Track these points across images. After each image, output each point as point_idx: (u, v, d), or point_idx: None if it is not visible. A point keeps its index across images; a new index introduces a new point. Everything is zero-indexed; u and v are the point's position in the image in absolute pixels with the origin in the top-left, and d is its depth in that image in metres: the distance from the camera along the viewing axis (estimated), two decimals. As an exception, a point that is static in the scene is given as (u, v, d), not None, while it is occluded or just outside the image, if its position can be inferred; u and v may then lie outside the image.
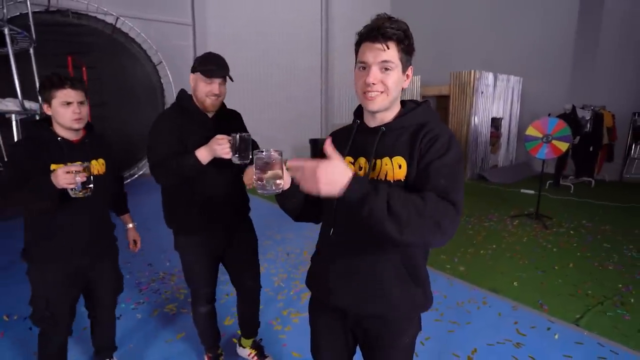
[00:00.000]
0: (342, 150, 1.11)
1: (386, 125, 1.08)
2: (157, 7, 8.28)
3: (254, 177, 1.05)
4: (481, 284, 3.21)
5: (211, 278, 1.98)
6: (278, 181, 1.04)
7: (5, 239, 4.07)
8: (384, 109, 1.06)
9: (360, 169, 1.09)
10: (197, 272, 1.94)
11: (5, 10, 4.19)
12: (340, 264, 1.15)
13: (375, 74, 1.01)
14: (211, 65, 1.68)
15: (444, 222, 0.88)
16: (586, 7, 7.78)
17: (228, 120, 1.87)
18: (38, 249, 1.67)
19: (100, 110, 6.29)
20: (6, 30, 3.81)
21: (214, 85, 1.69)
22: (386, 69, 1.01)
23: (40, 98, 1.60)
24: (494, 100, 8.15)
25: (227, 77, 1.76)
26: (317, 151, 8.27)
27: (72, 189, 1.45)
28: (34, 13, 5.17)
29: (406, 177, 1.02)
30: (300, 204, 1.21)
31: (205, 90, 1.69)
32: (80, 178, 1.44)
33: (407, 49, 1.03)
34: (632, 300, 2.94)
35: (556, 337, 2.45)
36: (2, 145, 5.50)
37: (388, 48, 1.00)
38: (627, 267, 3.56)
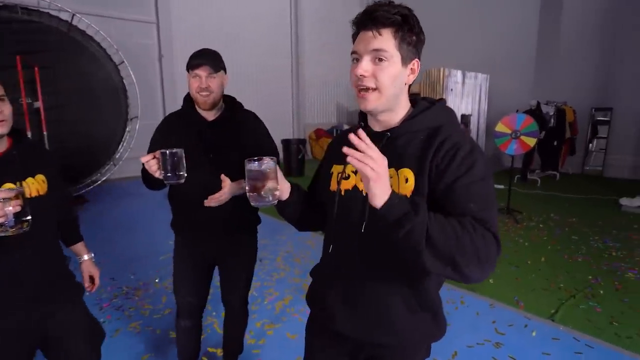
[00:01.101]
0: (342, 159, 0.90)
1: (392, 130, 0.93)
2: (118, 4, 7.86)
3: (247, 188, 0.95)
4: (458, 283, 3.18)
5: (195, 287, 1.81)
6: (276, 192, 0.95)
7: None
8: (380, 109, 0.91)
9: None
10: (180, 277, 1.80)
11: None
12: (342, 286, 1.03)
13: (364, 64, 0.87)
14: (196, 59, 1.57)
15: (486, 258, 0.78)
16: (546, 5, 8.03)
17: (229, 125, 1.65)
18: None
19: (57, 113, 5.90)
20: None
21: (201, 79, 1.56)
22: (379, 59, 0.86)
23: None
24: (463, 97, 8.28)
25: (223, 71, 1.62)
26: (289, 152, 8.13)
27: (0, 225, 1.05)
28: (-24, 9, 4.77)
29: (413, 192, 0.87)
30: (302, 212, 1.10)
31: (194, 87, 1.58)
32: (12, 208, 1.04)
33: (408, 38, 0.87)
34: (602, 292, 3.00)
35: (534, 334, 2.45)
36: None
37: (380, 35, 0.85)
38: (594, 258, 3.65)
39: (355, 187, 0.97)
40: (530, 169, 7.60)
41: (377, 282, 0.97)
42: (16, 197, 1.05)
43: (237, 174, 1.43)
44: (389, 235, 0.78)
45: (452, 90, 7.91)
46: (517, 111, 5.18)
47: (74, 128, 6.10)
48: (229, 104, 1.71)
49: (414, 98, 1.00)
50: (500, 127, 5.01)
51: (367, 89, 0.88)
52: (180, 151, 1.22)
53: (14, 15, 6.21)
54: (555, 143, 7.40)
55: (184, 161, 1.27)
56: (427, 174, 0.86)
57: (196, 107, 1.64)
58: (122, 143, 7.69)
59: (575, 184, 7.07)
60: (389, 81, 0.87)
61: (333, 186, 1.02)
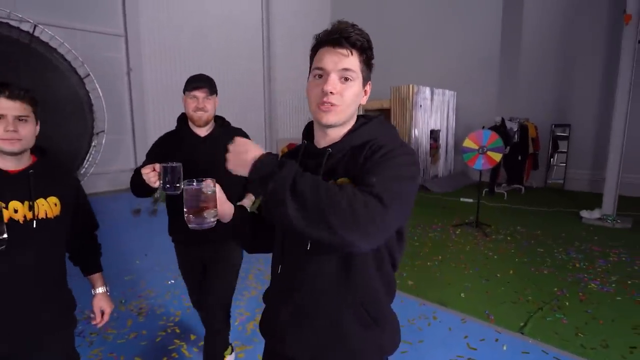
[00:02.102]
0: None
1: (332, 145, 0.96)
2: (83, 16, 7.64)
3: (185, 210, 0.97)
4: (430, 297, 3.21)
5: (196, 285, 2.02)
6: (213, 214, 0.97)
7: None
8: (339, 123, 0.94)
9: None
10: (185, 281, 2.05)
11: None
12: (291, 306, 1.00)
13: (334, 81, 0.89)
14: (194, 82, 1.79)
15: (365, 219, 0.73)
16: (507, 23, 8.44)
17: (221, 140, 1.76)
18: None
19: (14, 128, 5.62)
20: None
21: (198, 100, 1.79)
22: (346, 78, 0.90)
23: None
24: (432, 113, 8.53)
25: (215, 95, 1.85)
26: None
27: None
28: None
29: None
30: (250, 234, 1.11)
31: (192, 106, 1.80)
32: None
33: (368, 62, 0.95)
34: (567, 304, 3.10)
35: (504, 348, 2.48)
36: None
37: (352, 54, 0.90)
38: (559, 270, 3.78)
39: None
40: (497, 183, 7.87)
41: (327, 298, 0.96)
42: None
43: (226, 185, 1.48)
44: (263, 200, 0.81)
45: (421, 106, 8.13)
46: (483, 127, 5.37)
47: (37, 143, 5.82)
48: (219, 122, 1.95)
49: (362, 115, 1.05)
50: (467, 143, 5.17)
51: (331, 104, 0.91)
52: (179, 165, 1.28)
53: (-30, 25, 5.92)
54: (519, 158, 7.71)
55: (182, 174, 1.33)
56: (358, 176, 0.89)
57: (189, 125, 1.88)
58: (87, 158, 7.41)
59: (539, 197, 7.36)
60: (351, 99, 0.92)
61: None
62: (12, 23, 6.51)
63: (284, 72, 10.99)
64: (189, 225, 0.99)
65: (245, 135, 1.86)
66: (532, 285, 3.45)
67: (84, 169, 7.40)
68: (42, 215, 1.27)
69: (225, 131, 1.92)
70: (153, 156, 1.86)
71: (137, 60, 8.61)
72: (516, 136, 7.63)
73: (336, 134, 0.97)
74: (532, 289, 3.37)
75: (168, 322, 2.79)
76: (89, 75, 7.14)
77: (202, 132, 1.88)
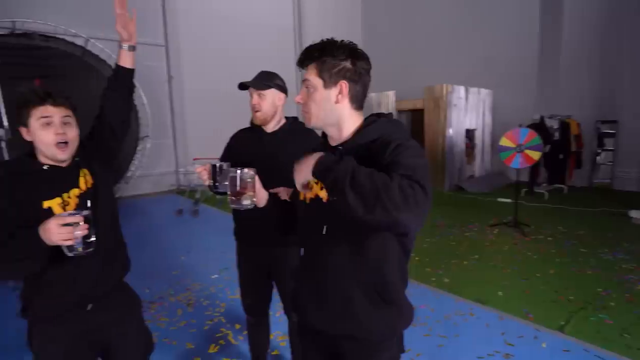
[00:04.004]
0: None
1: (343, 144, 1.08)
2: (129, 29, 8.17)
3: (228, 193, 1.14)
4: (467, 295, 3.22)
5: (250, 290, 2.02)
6: (250, 198, 1.13)
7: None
8: (319, 126, 1.12)
9: (322, 189, 1.09)
10: (240, 281, 2.03)
11: (-33, 35, 4.03)
12: (311, 283, 1.16)
13: (300, 93, 1.12)
14: (250, 81, 1.78)
15: (415, 203, 0.83)
16: (547, 18, 8.17)
17: (284, 137, 1.84)
18: (38, 305, 1.34)
19: (71, 134, 6.09)
20: (-32, 55, 3.66)
21: (252, 99, 1.79)
22: (307, 87, 1.09)
23: (16, 121, 1.32)
24: (467, 112, 8.38)
25: (274, 89, 1.81)
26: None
27: (69, 247, 1.15)
28: (-2, 36, 5.01)
29: None
30: (281, 219, 1.30)
31: (250, 105, 1.81)
32: (80, 231, 1.14)
33: (328, 66, 1.07)
34: (613, 304, 3.01)
35: (544, 345, 2.46)
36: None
37: (306, 68, 1.10)
38: (604, 271, 3.65)
39: (317, 196, 1.11)
40: (537, 183, 7.62)
41: (340, 277, 1.08)
42: (83, 221, 1.16)
43: (286, 181, 1.51)
44: (327, 189, 0.95)
45: (455, 105, 8.02)
46: (519, 125, 5.25)
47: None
48: (289, 120, 1.91)
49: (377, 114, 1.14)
50: (504, 142, 5.08)
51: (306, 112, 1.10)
52: (226, 165, 1.35)
53: (33, 42, 6.49)
54: (561, 156, 7.43)
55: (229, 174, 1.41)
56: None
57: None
58: (133, 162, 7.87)
59: (583, 197, 7.06)
60: (314, 104, 1.07)
61: (301, 195, 1.17)
62: (67, 38, 7.07)
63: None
64: (231, 205, 1.16)
65: (315, 137, 1.80)
66: (574, 285, 3.37)
67: (130, 172, 7.87)
68: (83, 187, 1.37)
69: (291, 130, 1.87)
70: (227, 148, 1.95)
71: (176, 68, 9.07)
72: (557, 134, 7.36)
73: (336, 133, 1.10)
74: (574, 289, 3.29)
75: (214, 313, 2.98)
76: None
77: (269, 128, 1.86)
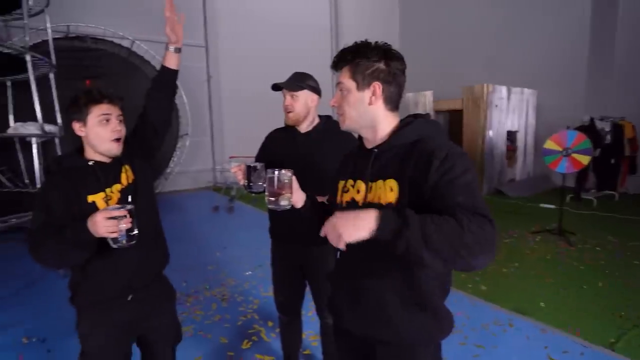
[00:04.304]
0: (346, 173, 1.17)
1: (378, 146, 1.07)
2: (172, 30, 8.48)
3: (266, 193, 1.17)
4: (505, 304, 3.08)
5: (283, 288, 2.02)
6: (287, 199, 1.15)
7: (25, 259, 4.09)
8: (352, 128, 1.11)
9: (359, 192, 1.09)
10: (273, 279, 2.04)
11: (27, 38, 4.33)
12: (347, 286, 1.15)
13: (335, 96, 1.13)
14: (283, 82, 1.79)
15: (485, 241, 0.83)
16: (599, 16, 7.69)
17: (318, 137, 1.84)
18: (84, 293, 1.43)
19: (116, 132, 6.41)
20: (27, 57, 3.93)
21: (285, 100, 1.80)
22: (340, 90, 1.10)
23: (70, 117, 1.39)
24: (509, 113, 8.05)
25: (307, 90, 1.80)
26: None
27: (113, 239, 1.22)
28: (54, 39, 5.34)
29: (397, 200, 0.98)
30: (317, 222, 1.25)
31: (283, 106, 1.81)
32: (124, 225, 1.20)
33: (362, 68, 1.06)
34: (670, 322, 2.78)
35: (591, 362, 2.31)
36: (24, 169, 5.61)
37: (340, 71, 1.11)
38: (660, 286, 3.38)
39: (352, 199, 1.11)
40: (585, 188, 7.18)
41: (375, 281, 1.07)
42: (127, 215, 1.21)
43: (319, 181, 1.54)
44: (393, 252, 0.85)
45: (496, 106, 7.72)
46: (567, 128, 4.97)
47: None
48: (323, 119, 1.90)
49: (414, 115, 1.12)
50: (549, 145, 4.83)
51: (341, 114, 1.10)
52: (261, 165, 1.37)
53: (84, 45, 6.88)
54: (612, 161, 6.96)
55: (263, 173, 1.40)
56: (408, 182, 0.97)
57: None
58: (173, 158, 8.18)
59: (636, 206, 6.58)
60: (348, 106, 1.07)
61: (338, 198, 1.18)
62: (115, 41, 7.44)
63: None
64: (268, 206, 1.18)
65: (350, 137, 1.74)
66: (626, 300, 3.13)
67: (169, 168, 8.18)
68: (125, 182, 1.44)
69: (325, 130, 1.86)
70: (262, 147, 1.98)
71: (215, 68, 9.32)
72: (608, 137, 6.91)
73: (371, 135, 1.09)
74: (626, 304, 3.06)
75: (247, 309, 3.02)
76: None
77: (302, 129, 1.86)
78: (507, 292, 3.31)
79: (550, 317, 2.87)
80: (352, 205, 1.10)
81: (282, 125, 1.95)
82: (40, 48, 5.21)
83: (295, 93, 1.78)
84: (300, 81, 1.80)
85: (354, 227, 0.85)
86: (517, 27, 9.29)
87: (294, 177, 1.19)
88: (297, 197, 1.23)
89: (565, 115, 8.07)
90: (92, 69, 6.69)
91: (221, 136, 9.53)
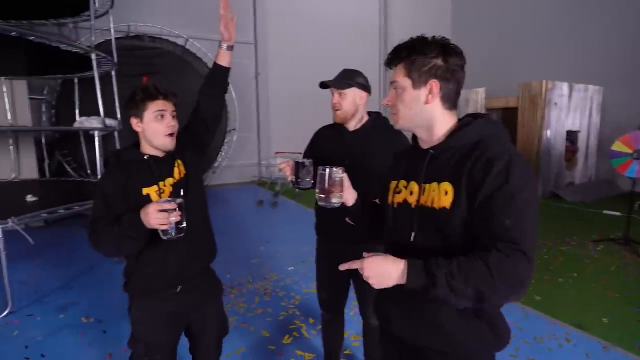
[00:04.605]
0: (398, 173, 1.13)
1: (434, 147, 1.02)
2: (223, 28, 8.75)
3: (317, 190, 1.16)
4: (562, 317, 2.87)
5: (326, 285, 2.00)
6: (338, 197, 1.15)
7: (86, 244, 4.40)
8: (405, 127, 1.07)
9: (412, 193, 1.05)
10: (317, 275, 2.03)
11: (93, 38, 4.64)
12: (396, 290, 1.06)
13: (388, 95, 1.08)
14: (331, 80, 1.75)
15: (516, 282, 0.83)
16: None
17: (366, 135, 1.80)
18: (136, 281, 1.49)
19: (169, 126, 6.74)
20: (93, 56, 4.21)
21: (333, 98, 1.77)
22: (395, 88, 1.05)
23: (127, 113, 1.45)
24: (570, 112, 7.49)
25: (355, 88, 1.75)
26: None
27: (163, 231, 1.26)
28: (115, 39, 5.68)
29: (452, 205, 0.93)
30: (368, 221, 1.26)
31: (331, 104, 1.79)
32: (174, 217, 1.24)
33: (418, 65, 1.02)
34: None
35: (663, 388, 2.09)
36: (87, 161, 6.06)
37: (394, 69, 1.06)
38: None
39: (405, 201, 1.06)
40: (656, 195, 6.53)
41: None
42: (177, 208, 1.25)
43: (367, 180, 1.50)
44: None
45: (556, 104, 7.21)
46: (639, 128, 4.52)
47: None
48: (372, 117, 1.85)
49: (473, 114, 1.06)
50: (618, 146, 4.42)
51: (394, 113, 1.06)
52: (309, 162, 1.38)
53: (142, 43, 7.27)
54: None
55: (311, 170, 1.43)
56: (465, 187, 0.92)
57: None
58: (220, 153, 8.45)
59: None
60: (402, 105, 1.02)
61: (390, 199, 1.13)
62: (170, 39, 7.80)
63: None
64: (319, 203, 1.18)
65: (400, 136, 1.72)
66: None
67: (217, 163, 8.46)
68: (177, 177, 1.48)
69: (374, 128, 1.82)
70: (310, 144, 1.98)
71: (263, 65, 9.49)
72: (686, 139, 6.22)
73: (427, 135, 1.04)
74: None
75: (289, 304, 3.05)
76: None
77: (350, 127, 1.82)
78: (563, 304, 3.08)
79: (613, 334, 2.63)
80: (404, 207, 1.06)
81: (330, 122, 1.93)
82: (103, 47, 5.57)
83: (343, 91, 1.75)
84: (348, 78, 1.76)
85: (381, 277, 0.90)
86: (580, 16, 8.61)
87: (345, 175, 1.18)
88: (349, 195, 1.21)
89: (635, 114, 7.39)
90: (149, 66, 7.05)
91: (267, 132, 9.71)
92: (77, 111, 6.11)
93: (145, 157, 1.45)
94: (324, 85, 1.79)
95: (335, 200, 1.15)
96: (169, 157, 1.49)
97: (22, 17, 5.19)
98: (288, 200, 7.12)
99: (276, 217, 6.10)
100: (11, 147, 5.69)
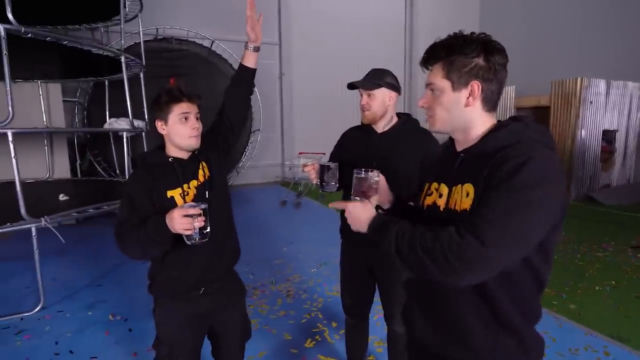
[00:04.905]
0: (431, 174, 1.09)
1: (466, 150, 0.98)
2: (248, 30, 8.83)
3: (352, 193, 1.15)
4: (599, 328, 2.71)
5: (350, 289, 1.96)
6: (373, 199, 1.13)
7: (112, 242, 4.52)
8: (443, 131, 1.02)
9: (441, 196, 1.00)
10: (341, 278, 1.99)
11: (122, 42, 4.76)
12: (421, 295, 1.07)
13: (424, 96, 1.05)
14: (359, 81, 1.71)
15: (455, 258, 0.80)
16: None
17: (395, 137, 1.73)
18: (161, 283, 1.50)
19: (195, 127, 6.86)
20: (122, 59, 4.31)
21: (362, 99, 1.73)
22: (432, 90, 1.00)
23: (153, 116, 1.45)
24: (607, 110, 7.14)
25: (384, 88, 1.70)
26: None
27: (187, 236, 1.26)
28: (144, 42, 5.81)
29: (471, 207, 0.88)
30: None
31: (359, 104, 1.75)
32: (198, 223, 1.24)
33: (458, 65, 0.96)
34: None
35: None
36: (116, 161, 6.23)
37: (430, 70, 1.01)
38: None
39: (434, 203, 1.02)
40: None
41: (451, 295, 0.97)
42: (201, 213, 1.24)
43: (395, 183, 1.43)
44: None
45: (591, 102, 6.89)
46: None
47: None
48: (402, 118, 1.79)
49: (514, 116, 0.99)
50: (661, 147, 4.16)
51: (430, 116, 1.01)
52: (334, 165, 1.36)
53: (169, 46, 7.42)
54: None
55: (337, 173, 1.42)
56: (482, 186, 0.87)
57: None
58: (244, 153, 8.53)
59: None
60: (440, 108, 0.97)
61: (421, 201, 1.11)
62: (197, 41, 7.93)
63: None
64: None
65: (430, 139, 1.72)
66: None
67: (241, 163, 8.54)
68: (201, 179, 1.48)
69: (403, 130, 1.75)
70: (337, 145, 1.93)
71: (287, 66, 9.51)
72: None
73: (462, 137, 0.99)
74: None
75: (312, 307, 3.02)
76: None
77: (379, 128, 1.76)
78: (601, 314, 2.91)
79: (658, 349, 2.46)
80: (433, 210, 1.02)
81: (355, 123, 1.89)
82: (132, 50, 5.72)
83: (371, 92, 1.69)
84: (376, 78, 1.70)
85: (354, 220, 1.04)
86: (618, 8, 8.17)
87: (382, 178, 1.18)
88: (385, 198, 1.20)
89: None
90: (176, 68, 7.20)
91: (291, 132, 9.73)
92: (107, 113, 6.30)
93: (170, 160, 1.45)
94: (352, 86, 1.74)
95: (372, 202, 1.13)
96: (194, 159, 1.48)
97: (57, 23, 5.39)
98: (311, 200, 7.10)
99: (299, 217, 6.09)
100: (46, 148, 5.93)
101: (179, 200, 1.42)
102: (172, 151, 1.46)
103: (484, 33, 0.94)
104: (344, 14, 9.85)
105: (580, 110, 6.79)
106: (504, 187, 0.80)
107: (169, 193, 1.42)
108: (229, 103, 1.60)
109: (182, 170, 1.45)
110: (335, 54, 9.69)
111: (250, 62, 1.58)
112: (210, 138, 1.56)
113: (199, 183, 1.47)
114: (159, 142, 1.53)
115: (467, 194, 0.90)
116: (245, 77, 1.60)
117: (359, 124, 1.86)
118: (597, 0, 8.57)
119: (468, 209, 0.88)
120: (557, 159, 0.88)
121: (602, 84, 6.97)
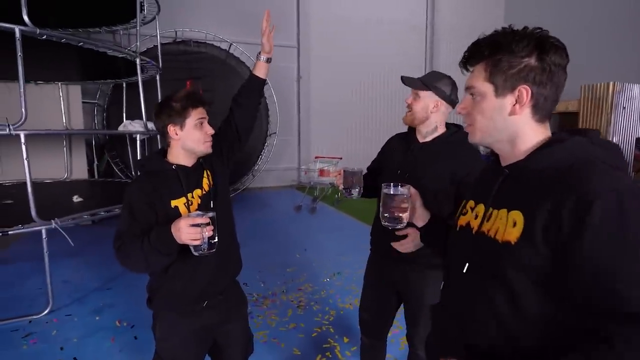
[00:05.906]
0: (469, 191, 1.00)
1: (511, 165, 0.83)
2: (266, 32, 8.83)
3: (381, 209, 1.10)
4: None
5: (370, 304, 1.82)
6: (403, 216, 1.07)
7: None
8: (485, 142, 0.87)
9: (476, 217, 0.88)
10: (363, 290, 1.85)
11: (138, 44, 4.77)
12: (446, 324, 0.95)
13: (463, 101, 0.91)
14: (408, 77, 1.63)
15: None
16: None
17: (434, 149, 1.58)
18: (163, 297, 1.44)
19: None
20: (137, 61, 4.30)
21: (409, 97, 1.62)
22: (472, 94, 0.87)
23: (163, 121, 1.36)
24: (640, 116, 6.76)
25: (432, 92, 1.55)
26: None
27: (195, 247, 1.20)
28: (164, 44, 5.84)
29: (519, 241, 0.73)
30: (441, 245, 1.10)
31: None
32: (207, 232, 1.18)
33: (503, 67, 0.84)
34: None
35: None
36: (131, 163, 6.26)
37: (471, 71, 0.88)
38: None
39: (467, 224, 0.91)
40: None
41: (479, 319, 0.83)
42: (210, 223, 1.19)
43: (430, 199, 1.29)
44: None
45: (624, 108, 6.53)
46: None
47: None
48: (450, 130, 1.62)
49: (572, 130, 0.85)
50: None
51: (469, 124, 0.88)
52: (359, 171, 1.35)
53: (187, 48, 7.46)
54: None
55: (361, 179, 1.40)
56: (542, 226, 0.70)
57: (418, 128, 1.64)
58: (260, 156, 8.48)
59: None
60: (481, 116, 0.84)
61: (455, 220, 1.02)
62: (215, 44, 7.94)
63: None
64: (383, 223, 1.11)
65: (477, 159, 1.52)
66: None
67: (257, 166, 8.49)
68: (206, 187, 1.44)
69: (449, 143, 1.58)
70: (381, 152, 1.86)
71: (306, 69, 9.44)
72: None
73: (506, 152, 0.85)
74: None
75: (323, 320, 2.88)
76: (267, 83, 8.16)
77: (421, 137, 1.62)
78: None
79: None
80: (465, 232, 0.90)
81: (371, 129, 1.78)
82: (151, 52, 5.73)
83: (418, 92, 1.56)
84: (428, 80, 1.56)
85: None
86: (656, 13, 7.78)
87: (416, 193, 1.13)
88: (419, 216, 1.13)
89: None
90: (194, 71, 7.21)
91: (308, 136, 9.63)
92: (124, 115, 6.34)
93: (174, 167, 1.38)
94: (403, 80, 1.64)
95: (400, 220, 1.06)
96: (198, 167, 1.43)
97: (79, 26, 5.47)
98: (327, 206, 6.96)
99: (314, 223, 5.96)
100: (65, 149, 6.00)
101: (183, 210, 1.35)
102: (179, 158, 1.39)
103: (539, 28, 0.78)
104: (362, 18, 9.70)
105: (612, 117, 6.45)
106: (610, 248, 0.64)
107: (173, 203, 1.35)
108: (238, 112, 1.60)
109: (186, 179, 1.38)
110: (353, 59, 9.56)
111: (261, 72, 1.61)
112: (216, 145, 1.48)
113: (204, 192, 1.41)
114: (157, 150, 1.50)
115: (515, 224, 0.75)
116: (255, 86, 1.61)
117: (377, 129, 1.74)
118: (629, 0, 8.19)
119: (513, 242, 0.74)
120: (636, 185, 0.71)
121: (635, 88, 6.61)
